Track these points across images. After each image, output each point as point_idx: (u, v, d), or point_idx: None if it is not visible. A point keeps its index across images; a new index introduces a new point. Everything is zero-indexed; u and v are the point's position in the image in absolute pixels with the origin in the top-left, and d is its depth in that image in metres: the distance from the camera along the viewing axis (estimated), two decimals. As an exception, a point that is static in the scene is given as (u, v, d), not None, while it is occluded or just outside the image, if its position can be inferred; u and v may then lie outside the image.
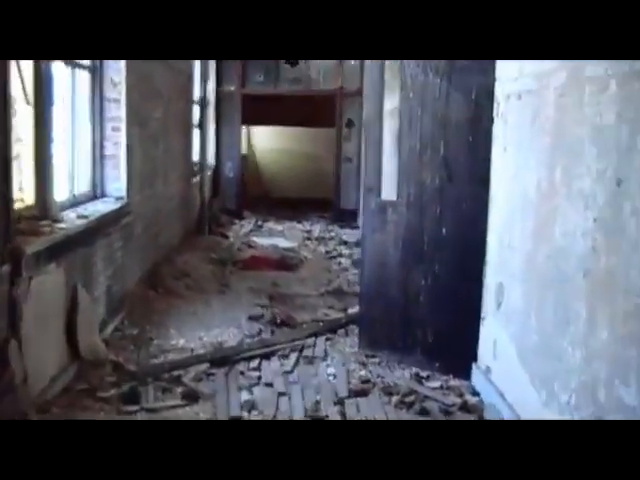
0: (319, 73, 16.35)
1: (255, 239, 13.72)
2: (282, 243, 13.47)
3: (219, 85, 16.11)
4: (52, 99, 6.00)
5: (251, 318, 8.07)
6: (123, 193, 7.75)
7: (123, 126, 7.67)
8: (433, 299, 6.54)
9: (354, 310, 8.40)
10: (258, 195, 18.79)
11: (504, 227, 5.63)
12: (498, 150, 5.88)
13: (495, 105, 5.96)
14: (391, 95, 6.89)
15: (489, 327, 5.96)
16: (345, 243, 13.61)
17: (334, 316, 8.26)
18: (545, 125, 4.77)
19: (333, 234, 14.90)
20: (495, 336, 5.76)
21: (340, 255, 12.32)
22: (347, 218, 16.30)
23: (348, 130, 16.58)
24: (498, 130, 5.90)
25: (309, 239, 14.16)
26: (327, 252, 12.68)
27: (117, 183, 7.73)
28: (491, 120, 6.02)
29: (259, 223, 15.94)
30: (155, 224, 9.63)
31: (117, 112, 7.62)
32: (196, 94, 13.57)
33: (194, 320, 7.91)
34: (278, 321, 7.91)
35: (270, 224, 16.04)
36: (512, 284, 5.38)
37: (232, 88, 16.27)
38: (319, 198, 18.74)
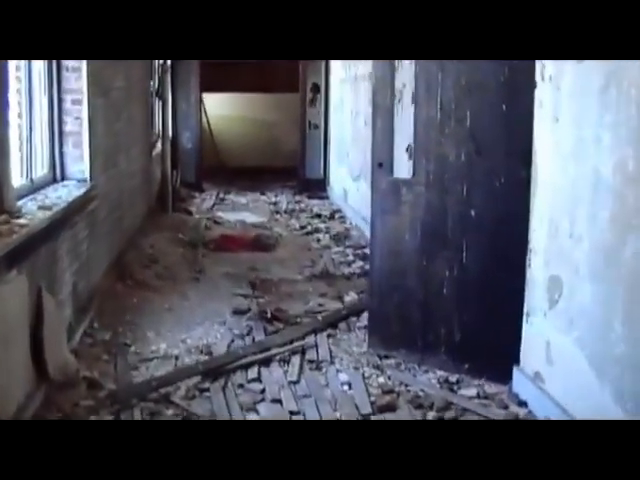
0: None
1: (220, 214, 12.72)
2: (250, 218, 12.51)
3: (173, 48, 14.88)
4: (6, 76, 4.90)
5: (236, 312, 7.12)
6: (86, 175, 6.69)
7: (84, 98, 6.60)
8: (460, 292, 5.64)
9: (351, 298, 7.50)
10: (214, 166, 17.49)
11: (559, 212, 4.72)
12: (545, 121, 4.94)
13: (539, 67, 5.00)
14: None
15: (538, 327, 5.05)
16: (319, 216, 12.66)
17: (330, 306, 7.31)
18: (631, 92, 3.84)
19: (303, 205, 13.96)
20: (548, 338, 4.87)
21: (317, 230, 11.37)
22: (314, 188, 15.33)
23: (312, 95, 15.52)
24: (544, 97, 4.95)
25: (278, 212, 13.19)
26: (301, 227, 11.73)
27: (79, 164, 6.67)
28: (533, 84, 5.07)
29: (221, 196, 14.92)
30: (119, 206, 8.58)
31: (77, 83, 6.54)
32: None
33: (171, 318, 6.94)
34: (268, 315, 6.94)
35: (232, 196, 15.05)
36: (576, 280, 4.48)
37: (189, 52, 15.06)
38: (279, 167, 17.81)
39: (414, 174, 5.83)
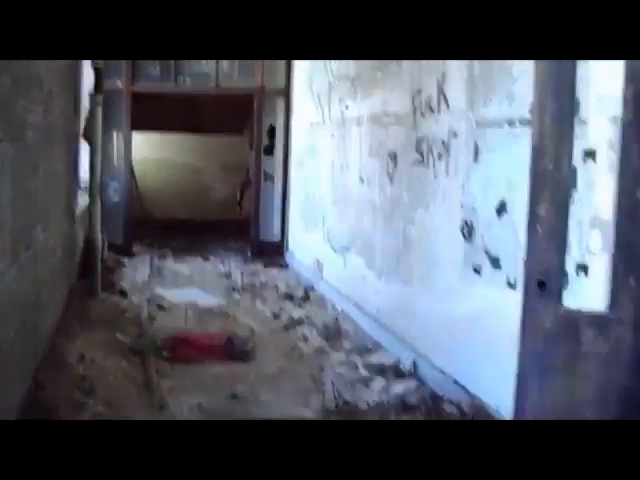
0: (232, 67, 12.43)
1: (162, 292, 9.77)
2: (201, 298, 9.62)
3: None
4: None
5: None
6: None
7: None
8: None
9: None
10: (138, 217, 14.24)
11: None
12: None
13: None
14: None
15: None
16: (290, 297, 9.79)
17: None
18: None
19: (262, 279, 11.06)
20: None
21: (298, 322, 8.50)
22: (269, 253, 12.52)
23: (269, 140, 12.72)
24: None
25: (234, 289, 10.27)
26: (275, 316, 8.85)
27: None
28: None
29: (156, 263, 11.93)
30: (34, 308, 5.62)
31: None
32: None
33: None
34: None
35: (170, 263, 12.07)
36: None
37: (119, 84, 12.09)
38: (211, 220, 15.56)
39: (612, 304, 3.08)
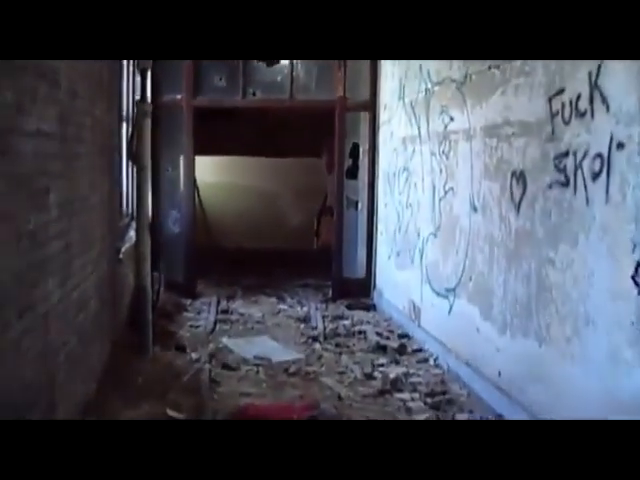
0: (310, 76, 10.81)
1: (229, 344, 8.16)
2: (276, 351, 8.01)
3: (156, 92, 10.27)
4: None
5: None
6: None
7: None
8: None
9: None
10: (205, 247, 12.84)
11: None
12: None
13: None
14: None
15: None
16: (383, 349, 8.07)
17: None
18: None
19: (347, 323, 9.38)
20: None
21: (394, 383, 6.81)
22: (353, 291, 10.83)
23: (352, 161, 11.05)
24: None
25: (315, 339, 8.58)
26: (367, 376, 7.14)
27: None
28: None
29: (223, 305, 10.31)
30: (46, 388, 4.05)
31: None
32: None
33: None
34: None
35: (238, 305, 10.44)
36: None
37: (178, 97, 10.56)
38: (289, 251, 13.86)
39: None
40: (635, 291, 4.20)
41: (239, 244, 14.43)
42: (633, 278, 4.22)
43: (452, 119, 7.53)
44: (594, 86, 4.72)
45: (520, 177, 5.84)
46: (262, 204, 15.43)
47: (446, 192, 7.69)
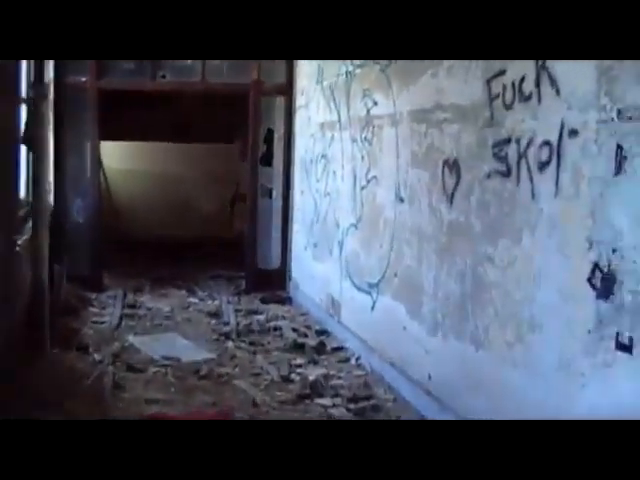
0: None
1: (135, 342, 7.57)
2: (186, 350, 7.46)
3: (60, 73, 9.56)
4: None
5: None
6: None
7: None
8: None
9: None
10: (113, 237, 11.98)
11: None
12: None
13: None
14: None
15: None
16: (301, 348, 7.57)
17: None
18: None
19: (261, 318, 8.85)
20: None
21: (314, 387, 6.34)
22: (268, 283, 10.30)
23: (266, 147, 10.50)
24: None
25: (227, 336, 8.03)
26: (284, 379, 6.63)
27: None
28: None
29: (129, 299, 9.66)
30: None
31: None
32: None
33: None
34: None
35: (146, 299, 9.82)
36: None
37: (83, 79, 9.82)
38: (202, 239, 13.48)
39: None
40: (592, 295, 3.78)
41: (149, 234, 13.77)
42: (589, 280, 3.80)
43: (376, 103, 7.06)
44: (541, 68, 4.29)
45: (453, 166, 5.41)
46: (173, 192, 14.78)
47: (368, 181, 7.22)
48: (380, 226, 6.85)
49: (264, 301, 9.79)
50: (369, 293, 7.12)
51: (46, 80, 6.98)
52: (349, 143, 7.81)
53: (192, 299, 9.93)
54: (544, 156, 4.26)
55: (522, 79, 4.48)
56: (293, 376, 6.72)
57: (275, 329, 8.38)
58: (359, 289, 7.43)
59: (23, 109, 7.16)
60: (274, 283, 10.31)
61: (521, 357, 4.48)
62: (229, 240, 12.97)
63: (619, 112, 3.62)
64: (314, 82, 9.17)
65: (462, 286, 5.22)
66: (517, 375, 4.51)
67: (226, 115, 12.93)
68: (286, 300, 9.93)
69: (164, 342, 7.67)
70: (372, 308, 7.05)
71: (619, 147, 3.62)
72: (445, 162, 5.54)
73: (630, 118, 3.54)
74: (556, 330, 4.12)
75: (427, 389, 5.75)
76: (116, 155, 14.17)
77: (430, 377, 5.73)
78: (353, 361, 7.20)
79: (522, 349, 4.47)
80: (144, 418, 5.33)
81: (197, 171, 14.93)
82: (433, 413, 5.59)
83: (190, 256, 12.42)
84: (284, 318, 8.95)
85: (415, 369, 6.00)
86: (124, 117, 12.69)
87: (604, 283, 3.71)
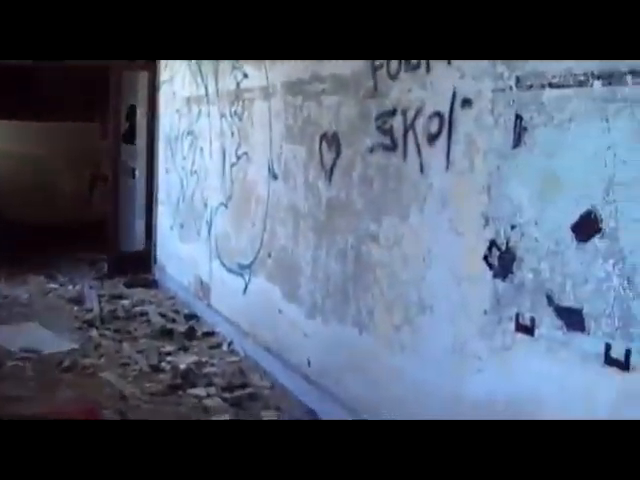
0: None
1: (-10, 333, 7.01)
2: (46, 341, 6.95)
3: None
4: None
5: None
6: None
7: None
8: None
9: None
10: None
11: None
12: None
13: None
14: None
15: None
16: (169, 334, 7.19)
17: None
18: None
19: (127, 304, 8.39)
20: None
21: (186, 376, 5.98)
22: (132, 266, 9.83)
23: (129, 124, 10.00)
24: None
25: (90, 323, 7.55)
26: (154, 368, 6.25)
27: None
28: None
29: (-18, 287, 9.04)
30: None
31: None
32: None
33: None
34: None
35: (2, 285, 9.20)
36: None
37: None
38: (61, 222, 12.47)
39: None
40: (489, 274, 3.57)
41: (4, 216, 12.97)
42: (486, 259, 3.59)
43: (246, 76, 6.72)
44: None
45: (333, 140, 5.13)
46: (30, 172, 13.94)
47: (239, 157, 6.87)
48: (252, 205, 6.53)
49: (128, 285, 9.31)
50: (241, 275, 6.79)
51: None
52: (217, 118, 7.44)
53: (52, 284, 9.35)
54: (434, 128, 4.03)
55: (408, 46, 4.21)
56: (163, 365, 6.33)
57: (141, 314, 7.95)
58: (230, 271, 7.09)
59: None
60: (139, 266, 9.83)
61: (409, 340, 4.25)
62: (90, 222, 12.35)
63: (518, 80, 3.41)
64: (179, 55, 8.72)
65: (343, 266, 4.96)
66: (405, 359, 4.28)
67: (87, 92, 12.30)
68: (152, 283, 9.48)
69: (23, 333, 7.13)
70: (244, 290, 6.72)
71: (518, 117, 3.41)
72: (323, 136, 5.25)
73: (530, 87, 3.32)
74: (448, 312, 3.90)
75: (306, 375, 5.48)
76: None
77: (309, 362, 5.46)
78: (225, 347, 6.86)
79: (410, 332, 4.24)
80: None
81: (57, 151, 14.17)
82: (314, 401, 5.33)
83: (50, 240, 11.75)
84: (150, 303, 8.51)
85: (293, 354, 5.73)
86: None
87: (502, 261, 3.50)
